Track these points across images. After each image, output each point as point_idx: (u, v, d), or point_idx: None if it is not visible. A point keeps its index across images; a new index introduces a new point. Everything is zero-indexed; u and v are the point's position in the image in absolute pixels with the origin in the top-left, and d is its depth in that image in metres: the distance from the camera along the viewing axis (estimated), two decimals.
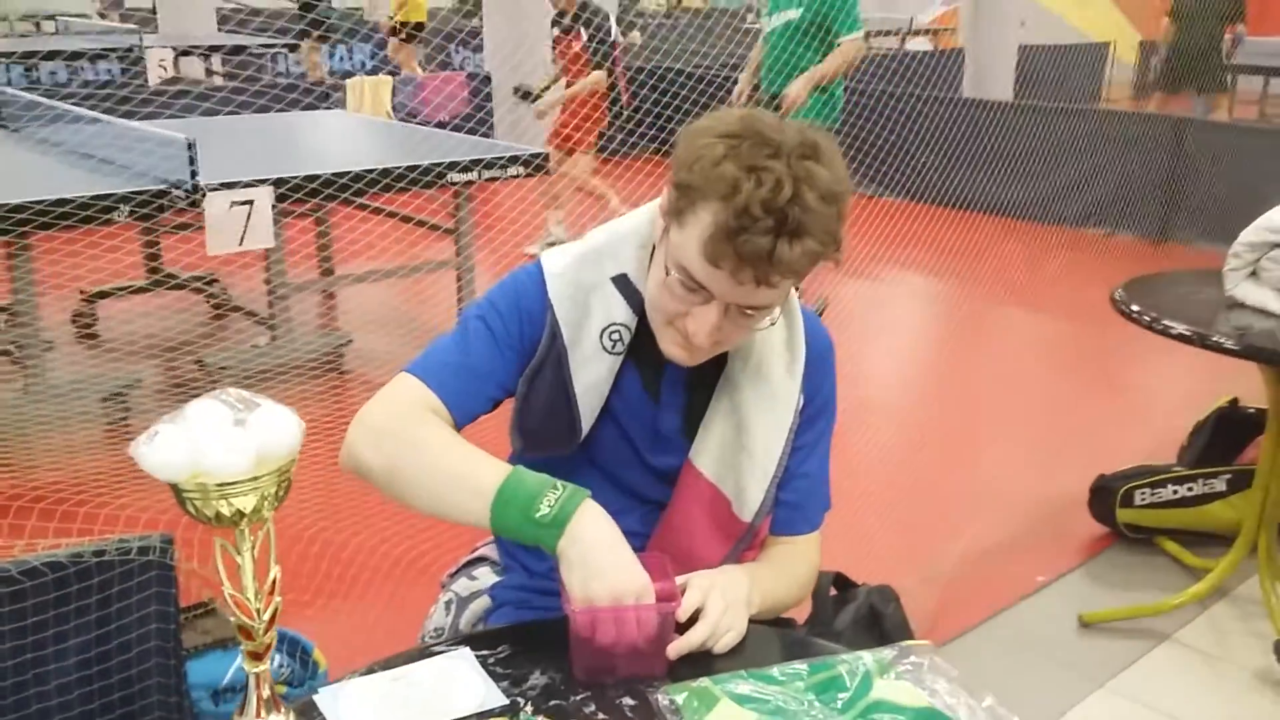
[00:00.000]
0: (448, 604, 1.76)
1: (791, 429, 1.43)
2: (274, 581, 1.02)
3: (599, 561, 1.18)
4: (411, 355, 1.42)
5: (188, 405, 0.96)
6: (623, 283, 1.37)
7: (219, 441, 0.94)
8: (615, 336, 1.36)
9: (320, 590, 2.48)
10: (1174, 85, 8.75)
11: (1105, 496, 3.14)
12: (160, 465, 0.93)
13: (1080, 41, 12.13)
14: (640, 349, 1.38)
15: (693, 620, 1.25)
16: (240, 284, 4.85)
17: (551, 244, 5.76)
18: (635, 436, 1.44)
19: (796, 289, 1.44)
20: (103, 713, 1.51)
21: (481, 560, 1.82)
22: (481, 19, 12.59)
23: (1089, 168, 6.86)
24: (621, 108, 5.73)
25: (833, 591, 1.80)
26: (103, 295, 4.62)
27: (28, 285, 3.45)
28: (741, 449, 1.40)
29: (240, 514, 0.96)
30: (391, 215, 5.01)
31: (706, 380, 1.42)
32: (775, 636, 1.33)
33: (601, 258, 1.39)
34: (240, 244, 3.59)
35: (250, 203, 3.57)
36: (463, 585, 1.77)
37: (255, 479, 0.95)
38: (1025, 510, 3.34)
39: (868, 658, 1.21)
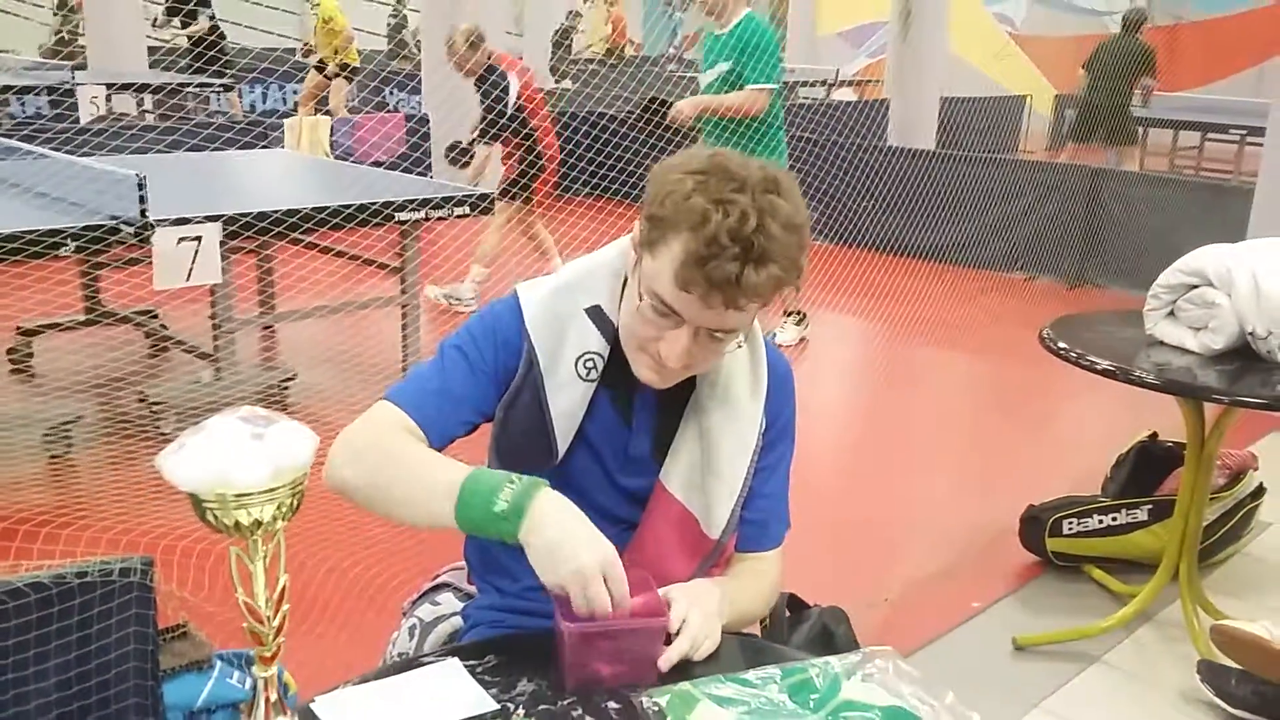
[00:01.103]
0: (411, 629, 1.81)
1: (756, 450, 1.51)
2: (283, 589, 1.07)
3: (560, 546, 1.23)
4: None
5: (209, 420, 1.02)
6: (596, 313, 1.45)
7: (240, 455, 1.00)
8: (589, 364, 1.44)
9: (289, 615, 2.46)
10: (1084, 136, 9.19)
11: (1035, 526, 3.28)
12: (185, 477, 0.98)
13: (999, 94, 12.58)
14: (613, 376, 1.46)
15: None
16: (180, 319, 4.83)
17: (449, 296, 5.79)
18: (608, 459, 1.50)
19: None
20: None
21: (444, 587, 1.87)
22: (411, 61, 12.68)
23: (1009, 214, 7.14)
24: (538, 155, 5.74)
25: (787, 613, 1.90)
26: (39, 330, 4.57)
27: None
28: (709, 470, 1.48)
29: (258, 524, 1.01)
30: (331, 252, 5.04)
31: (675, 405, 1.49)
32: (749, 644, 1.41)
33: (575, 290, 1.47)
34: (188, 279, 3.60)
35: (198, 239, 3.59)
36: (426, 611, 1.83)
37: (272, 490, 1.01)
38: (959, 540, 3.46)
39: (835, 662, 1.29)
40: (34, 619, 1.48)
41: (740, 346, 1.45)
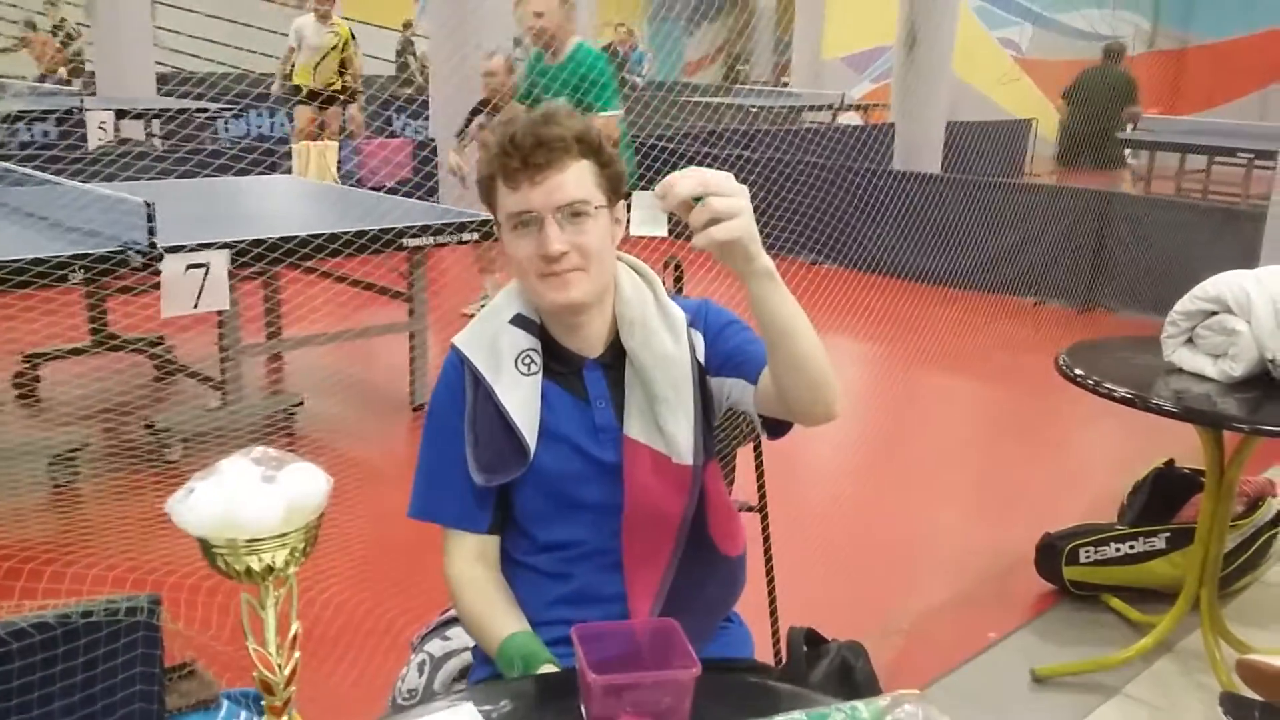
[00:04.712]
0: (420, 665, 1.79)
1: (694, 369, 1.56)
2: (294, 637, 1.04)
3: None
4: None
5: (220, 462, 0.99)
6: (518, 319, 1.59)
7: (250, 498, 0.97)
8: (528, 360, 1.56)
9: None
10: (1070, 161, 9.24)
11: (1051, 555, 3.23)
12: (194, 521, 0.95)
13: (1005, 118, 12.59)
14: (554, 365, 1.57)
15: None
16: (187, 346, 4.81)
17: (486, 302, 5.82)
18: (580, 440, 1.56)
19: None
20: None
21: (454, 621, 1.85)
22: (416, 87, 12.63)
23: (1017, 239, 7.11)
24: None
25: (805, 648, 1.86)
26: (45, 356, 4.55)
27: None
28: (656, 400, 1.54)
29: (269, 569, 0.98)
30: (335, 277, 5.03)
31: (619, 371, 1.58)
32: (770, 691, 1.38)
33: (497, 310, 1.61)
34: (195, 306, 3.58)
35: (206, 265, 3.57)
36: (436, 646, 1.81)
37: (284, 535, 0.98)
38: (974, 569, 3.42)
39: (862, 707, 1.25)
40: (39, 660, 1.45)
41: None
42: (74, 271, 3.38)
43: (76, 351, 4.61)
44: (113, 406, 4.14)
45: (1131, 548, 3.20)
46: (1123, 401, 2.55)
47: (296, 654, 1.04)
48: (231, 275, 3.73)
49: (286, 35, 9.34)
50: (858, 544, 3.56)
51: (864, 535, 3.65)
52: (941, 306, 6.59)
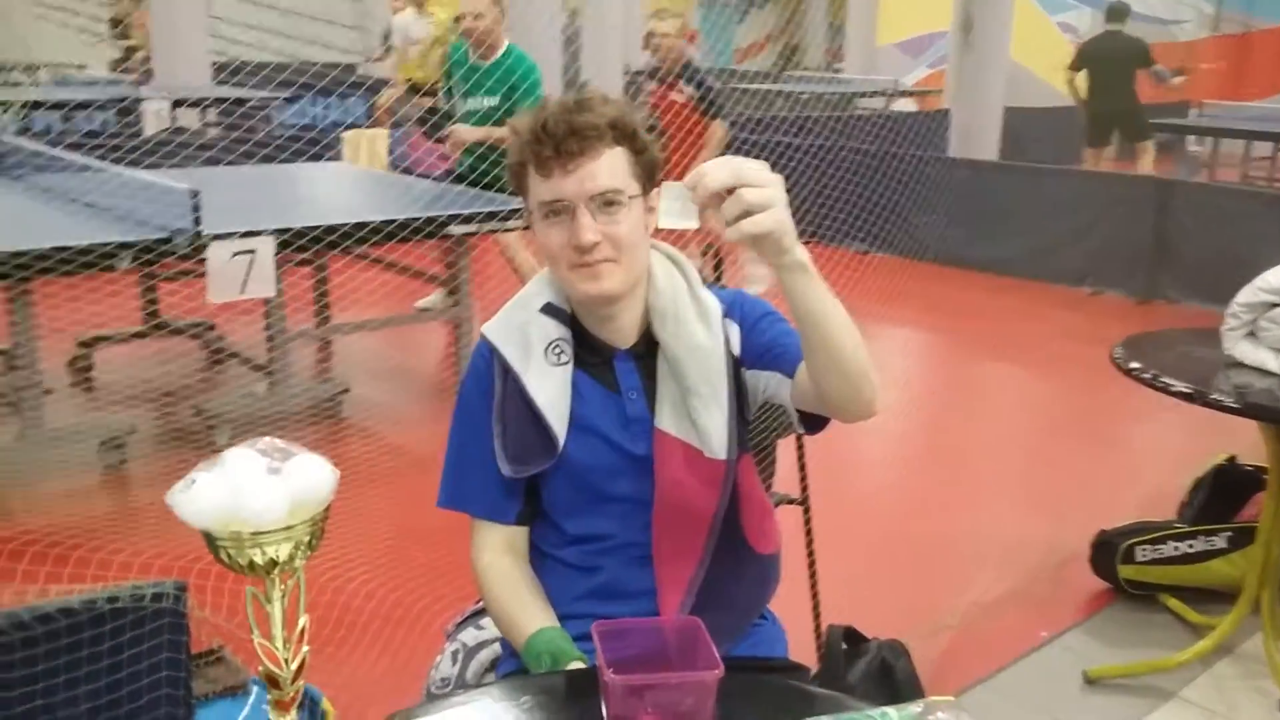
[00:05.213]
0: (454, 654, 1.77)
1: (727, 361, 1.52)
2: (302, 630, 1.01)
3: None
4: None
5: (224, 453, 0.96)
6: (549, 308, 1.55)
7: (255, 490, 0.94)
8: (558, 350, 1.53)
9: (329, 640, 2.44)
10: (1099, 141, 8.83)
11: (1107, 552, 3.14)
12: (197, 513, 0.93)
13: (1064, 104, 12.31)
14: (585, 355, 1.54)
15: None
16: (237, 331, 4.85)
17: None
18: (610, 432, 1.53)
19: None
20: None
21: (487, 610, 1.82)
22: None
23: (1074, 226, 6.94)
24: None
25: (844, 645, 1.81)
26: (99, 340, 4.61)
27: (27, 330, 3.45)
28: (689, 392, 1.50)
29: (274, 562, 0.96)
30: (379, 262, 5.03)
31: (651, 361, 1.54)
32: (802, 694, 1.33)
33: (528, 298, 1.58)
34: (241, 292, 3.59)
35: (252, 252, 3.58)
36: (470, 635, 1.79)
37: (289, 528, 0.95)
38: (1026, 565, 3.33)
39: (894, 714, 1.20)
40: (64, 645, 1.44)
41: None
42: (121, 258, 3.40)
43: (128, 336, 4.66)
44: (163, 391, 4.18)
45: (1191, 546, 3.10)
46: (1180, 396, 2.46)
47: (305, 648, 1.01)
48: (281, 261, 3.75)
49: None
50: (904, 538, 3.49)
51: (911, 529, 3.58)
52: (995, 295, 6.47)
